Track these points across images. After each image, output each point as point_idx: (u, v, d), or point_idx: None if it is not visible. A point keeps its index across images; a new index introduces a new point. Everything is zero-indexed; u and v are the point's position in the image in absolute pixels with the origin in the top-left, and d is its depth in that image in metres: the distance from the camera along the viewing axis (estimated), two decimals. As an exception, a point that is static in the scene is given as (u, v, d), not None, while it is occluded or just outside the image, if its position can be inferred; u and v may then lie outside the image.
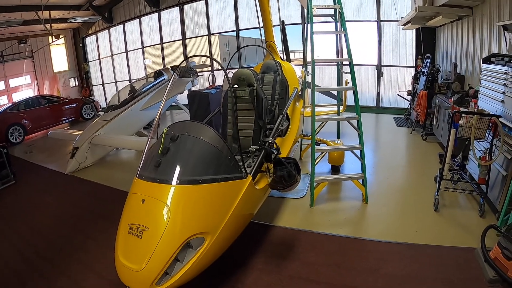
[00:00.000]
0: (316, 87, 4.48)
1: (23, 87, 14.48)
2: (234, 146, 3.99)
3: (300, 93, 5.48)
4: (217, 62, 3.32)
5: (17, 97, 13.41)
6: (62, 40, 15.77)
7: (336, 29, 5.24)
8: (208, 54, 12.60)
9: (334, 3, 4.88)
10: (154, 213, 2.50)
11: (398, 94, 9.30)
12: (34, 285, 3.41)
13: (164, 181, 2.61)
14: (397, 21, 8.64)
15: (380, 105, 10.21)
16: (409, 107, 8.52)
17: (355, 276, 3.10)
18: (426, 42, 8.43)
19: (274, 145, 3.33)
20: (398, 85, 9.74)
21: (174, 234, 2.40)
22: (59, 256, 3.88)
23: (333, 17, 5.21)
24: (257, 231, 3.90)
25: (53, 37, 13.08)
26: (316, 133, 4.61)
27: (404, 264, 3.21)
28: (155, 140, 3.01)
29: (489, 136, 3.95)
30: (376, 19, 9.54)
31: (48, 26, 10.94)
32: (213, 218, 2.62)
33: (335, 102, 6.63)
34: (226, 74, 3.29)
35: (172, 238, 2.38)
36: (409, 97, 8.58)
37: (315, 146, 4.54)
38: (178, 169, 2.66)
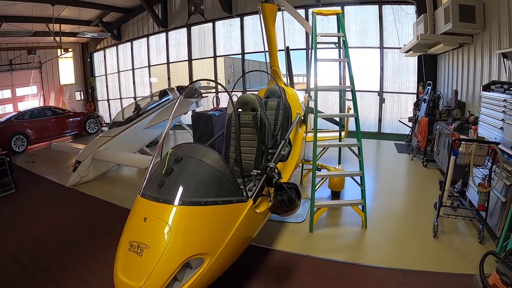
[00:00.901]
0: (318, 113, 4.57)
1: (29, 97, 14.74)
2: (236, 169, 4.04)
3: (302, 118, 5.57)
4: (223, 87, 3.43)
5: (23, 106, 13.63)
6: (70, 54, 16.12)
7: (340, 56, 5.38)
8: (213, 76, 12.82)
9: (338, 31, 5.03)
10: (155, 232, 2.53)
11: (399, 121, 9.40)
12: None
13: (167, 201, 2.65)
14: (400, 48, 8.84)
15: (381, 131, 10.31)
16: (410, 133, 8.60)
17: (352, 302, 3.09)
18: (427, 69, 8.60)
19: (276, 169, 3.39)
20: (400, 112, 9.87)
21: (174, 253, 2.43)
22: (57, 267, 3.89)
23: (337, 45, 5.35)
24: (256, 254, 3.90)
25: (62, 50, 13.39)
26: (317, 158, 4.67)
27: (402, 291, 3.21)
28: (159, 160, 3.08)
29: (489, 163, 4.00)
30: (379, 46, 9.75)
31: (57, 38, 11.22)
32: (213, 240, 2.65)
33: (337, 127, 6.71)
34: (231, 98, 3.38)
35: (172, 258, 2.41)
36: (410, 124, 8.67)
37: (316, 171, 4.58)
38: (181, 190, 2.71)
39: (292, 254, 3.96)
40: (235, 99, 4.29)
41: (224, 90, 3.65)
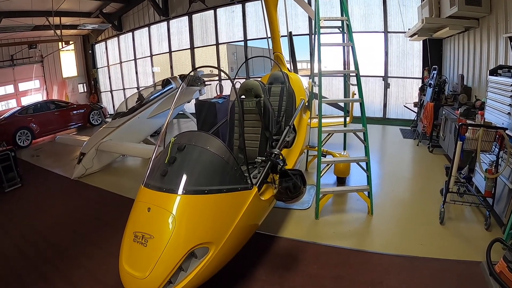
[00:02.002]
0: (323, 99, 4.50)
1: (32, 91, 14.72)
2: (240, 156, 4.02)
3: (306, 104, 5.50)
4: (225, 73, 3.36)
5: (26, 101, 13.62)
6: (72, 46, 16.03)
7: (343, 40, 5.27)
8: (215, 64, 12.72)
9: (342, 15, 4.92)
10: (160, 221, 2.52)
11: (405, 106, 9.29)
12: (33, 286, 3.47)
13: (170, 191, 2.63)
14: (404, 32, 8.67)
15: (386, 116, 10.20)
16: (415, 118, 8.51)
17: (358, 288, 3.09)
18: (432, 54, 8.44)
19: (280, 156, 3.35)
20: (405, 97, 9.75)
21: (179, 243, 2.42)
22: (61, 259, 3.94)
23: (340, 29, 5.25)
24: (261, 241, 3.90)
25: (63, 43, 13.31)
26: (322, 144, 4.62)
27: (408, 277, 3.19)
28: (162, 149, 3.05)
29: (496, 148, 3.93)
30: (383, 30, 9.58)
31: (58, 32, 11.14)
32: (218, 229, 2.64)
33: (342, 113, 6.64)
34: (233, 85, 3.33)
35: (177, 247, 2.40)
36: (415, 109, 8.57)
37: (321, 157, 4.54)
38: (184, 179, 2.69)
39: (298, 241, 3.95)
40: (238, 86, 4.24)
41: (227, 77, 3.58)
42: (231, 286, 3.19)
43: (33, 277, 3.63)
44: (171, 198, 2.60)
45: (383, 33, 9.61)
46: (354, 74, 4.57)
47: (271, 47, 5.97)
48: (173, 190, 2.62)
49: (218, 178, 2.80)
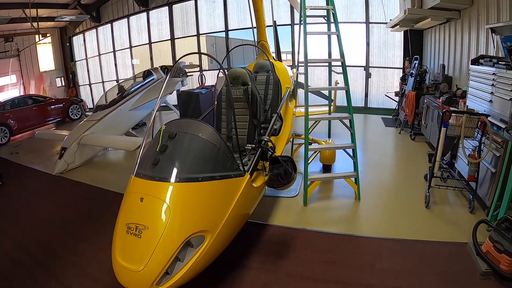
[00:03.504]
0: (308, 88, 4.52)
1: (9, 87, 14.11)
2: (229, 144, 3.99)
3: (292, 93, 5.52)
4: (217, 61, 3.33)
5: (3, 97, 12.96)
6: (49, 39, 15.43)
7: (329, 29, 5.29)
8: (197, 55, 12.55)
9: (327, 4, 4.93)
10: (153, 211, 2.47)
11: (386, 95, 9.46)
12: None
13: (163, 179, 2.59)
14: (386, 23, 8.80)
15: (368, 106, 10.38)
16: (397, 107, 8.67)
17: (350, 272, 3.15)
18: (413, 44, 8.61)
19: (270, 143, 3.35)
20: (386, 86, 9.93)
21: (175, 232, 2.38)
22: (50, 258, 3.79)
23: (325, 18, 5.26)
24: (252, 230, 3.91)
25: (40, 35, 12.79)
26: (309, 132, 4.65)
27: (398, 260, 3.28)
28: (151, 139, 3.00)
29: (478, 134, 4.05)
30: (365, 21, 9.68)
31: (35, 24, 10.71)
32: (213, 216, 2.62)
33: (324, 102, 6.69)
34: (224, 71, 3.30)
35: (173, 237, 2.36)
36: (397, 98, 8.74)
37: (308, 145, 4.57)
38: (177, 166, 2.65)
39: (288, 228, 3.99)
40: (223, 76, 4.20)
41: (219, 66, 3.54)
42: (225, 275, 3.19)
43: (22, 278, 3.50)
44: (164, 186, 2.55)
45: (365, 24, 9.72)
46: (340, 63, 4.60)
47: (256, 36, 5.93)
48: (166, 179, 2.58)
49: (211, 165, 2.78)
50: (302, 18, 4.61)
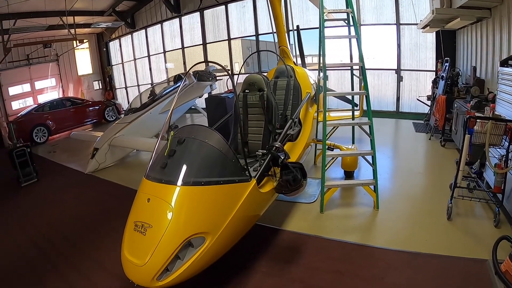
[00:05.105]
0: (328, 92, 4.46)
1: (48, 89, 15.11)
2: (245, 149, 4.05)
3: (314, 97, 5.47)
4: (224, 69, 3.40)
5: (42, 99, 13.93)
6: (86, 44, 16.34)
7: (349, 33, 5.20)
8: (227, 59, 12.72)
9: (347, 7, 4.85)
10: (158, 211, 2.61)
11: (418, 99, 9.09)
12: (46, 276, 3.63)
13: (169, 182, 2.71)
14: (417, 24, 8.48)
15: (399, 110, 10.02)
16: (428, 112, 8.32)
17: (357, 283, 3.07)
18: (446, 45, 8.24)
19: (281, 149, 3.36)
20: (418, 90, 9.53)
21: (176, 232, 2.50)
22: (73, 251, 4.09)
23: (346, 21, 5.17)
24: (264, 234, 3.93)
25: (77, 41, 13.57)
26: (327, 137, 4.58)
27: (410, 274, 3.15)
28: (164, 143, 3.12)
29: (506, 142, 3.80)
30: (395, 22, 9.38)
31: (72, 31, 11.37)
32: (215, 219, 2.69)
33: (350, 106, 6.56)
34: (232, 80, 3.36)
35: (174, 236, 2.48)
36: (429, 102, 8.39)
37: (327, 151, 4.51)
38: (183, 170, 2.76)
39: (301, 234, 3.96)
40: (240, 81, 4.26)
41: (227, 73, 3.61)
42: (232, 277, 3.23)
43: (46, 268, 3.79)
44: (169, 189, 2.68)
45: (395, 25, 9.39)
46: (359, 67, 4.50)
47: (276, 41, 5.93)
48: (172, 182, 2.70)
49: (215, 170, 2.86)
50: (320, 22, 4.56)
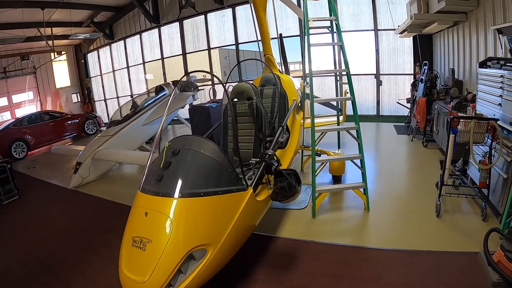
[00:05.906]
0: (314, 98, 4.53)
1: (26, 103, 14.67)
2: (235, 159, 4.03)
3: (299, 104, 5.53)
4: (217, 78, 3.40)
5: (20, 113, 13.52)
6: (64, 56, 16.00)
7: (333, 40, 5.31)
8: (207, 68, 12.73)
9: (330, 15, 4.96)
10: (157, 225, 2.54)
11: (397, 102, 9.37)
12: None
13: (166, 195, 2.65)
14: (394, 29, 8.76)
15: (380, 114, 10.26)
16: (409, 114, 8.56)
17: (357, 285, 3.11)
18: (423, 49, 8.54)
19: (274, 157, 3.38)
20: (398, 93, 9.82)
21: (177, 246, 2.44)
22: (63, 269, 3.94)
23: (329, 29, 5.29)
24: (259, 242, 3.91)
25: (55, 53, 13.25)
26: (316, 143, 4.64)
27: (407, 272, 3.22)
28: (157, 155, 3.07)
29: (488, 139, 3.97)
30: (373, 28, 9.65)
31: (50, 42, 11.12)
32: (215, 230, 2.66)
33: (335, 112, 6.68)
34: (225, 88, 3.36)
35: (175, 250, 2.42)
36: (408, 105, 8.63)
37: (316, 156, 4.56)
38: (179, 182, 2.71)
39: (296, 240, 3.98)
40: (230, 90, 4.27)
41: (219, 81, 3.62)
42: (231, 287, 3.20)
43: (33, 284, 3.66)
44: (167, 202, 2.62)
45: (373, 31, 9.68)
46: (345, 73, 4.60)
47: (261, 50, 5.99)
48: (169, 194, 2.65)
49: (213, 181, 2.82)
50: (305, 30, 4.64)
